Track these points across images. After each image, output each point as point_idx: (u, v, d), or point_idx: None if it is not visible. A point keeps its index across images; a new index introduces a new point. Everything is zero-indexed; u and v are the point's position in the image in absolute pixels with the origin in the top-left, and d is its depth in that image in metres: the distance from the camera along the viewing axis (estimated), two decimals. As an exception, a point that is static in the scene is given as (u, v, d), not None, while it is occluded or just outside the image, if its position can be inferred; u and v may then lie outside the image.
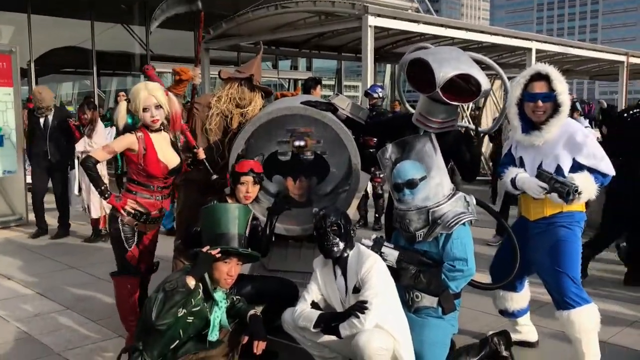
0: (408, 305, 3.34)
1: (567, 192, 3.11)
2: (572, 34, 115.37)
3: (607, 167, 3.26)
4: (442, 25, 11.45)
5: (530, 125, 3.36)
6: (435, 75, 3.45)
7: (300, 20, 11.69)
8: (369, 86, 8.53)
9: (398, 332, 3.03)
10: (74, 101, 17.44)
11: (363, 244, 3.27)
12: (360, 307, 2.95)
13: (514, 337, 3.73)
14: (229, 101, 4.10)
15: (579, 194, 3.13)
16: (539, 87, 3.30)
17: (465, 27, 12.27)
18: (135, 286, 3.67)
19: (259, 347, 2.95)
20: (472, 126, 4.41)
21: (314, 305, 3.21)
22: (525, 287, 3.81)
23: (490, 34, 12.49)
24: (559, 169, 3.28)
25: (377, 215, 7.72)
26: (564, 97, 3.25)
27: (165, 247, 4.07)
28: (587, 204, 3.39)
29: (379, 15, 10.14)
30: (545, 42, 13.83)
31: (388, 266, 3.20)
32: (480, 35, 12.28)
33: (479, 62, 3.67)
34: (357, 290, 3.09)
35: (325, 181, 4.30)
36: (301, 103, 3.95)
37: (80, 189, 7.21)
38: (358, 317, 2.94)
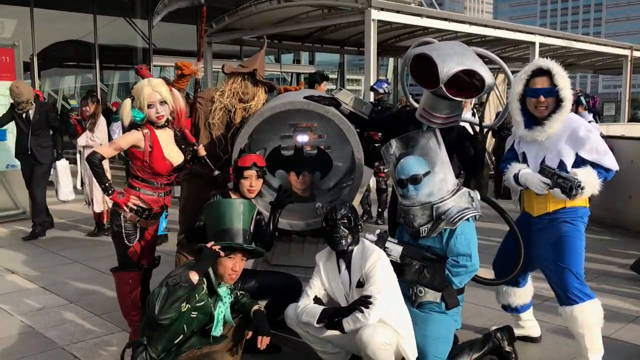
0: (411, 300, 3.34)
1: (570, 188, 3.10)
2: (576, 27, 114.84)
3: (610, 161, 3.25)
4: (445, 19, 11.44)
5: (533, 121, 3.34)
6: (439, 71, 3.44)
7: (303, 14, 11.67)
8: (371, 80, 8.52)
9: (401, 327, 3.04)
10: (77, 95, 17.45)
11: (367, 239, 3.27)
12: (365, 302, 2.96)
13: (517, 332, 3.73)
14: (232, 96, 4.09)
15: (582, 189, 3.12)
16: (541, 83, 3.28)
17: (469, 21, 12.26)
18: (136, 281, 3.67)
19: (263, 342, 2.97)
20: (477, 120, 4.39)
21: (317, 300, 3.21)
22: (528, 283, 3.81)
23: (494, 28, 12.48)
24: (561, 164, 3.27)
25: (379, 210, 7.72)
26: (566, 92, 3.23)
27: (168, 242, 4.07)
28: (590, 198, 3.38)
29: (382, 9, 10.13)
30: (548, 35, 13.81)
31: (392, 261, 3.20)
32: (483, 29, 12.27)
33: (482, 56, 3.66)
34: (360, 284, 3.09)
35: (329, 176, 4.30)
36: (304, 98, 3.94)
37: (82, 183, 7.18)
38: (362, 311, 2.95)
